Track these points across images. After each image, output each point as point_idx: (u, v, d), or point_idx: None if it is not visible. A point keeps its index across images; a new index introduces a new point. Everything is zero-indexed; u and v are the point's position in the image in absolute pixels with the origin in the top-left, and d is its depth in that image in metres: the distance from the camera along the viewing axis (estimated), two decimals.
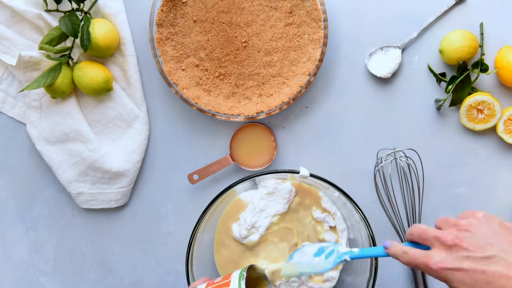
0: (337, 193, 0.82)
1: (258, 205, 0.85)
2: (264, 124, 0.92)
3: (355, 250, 0.71)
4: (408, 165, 0.89)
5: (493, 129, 0.89)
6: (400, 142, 0.91)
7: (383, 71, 0.89)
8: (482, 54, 0.87)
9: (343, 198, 0.81)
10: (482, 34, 0.88)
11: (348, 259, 0.71)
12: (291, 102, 0.88)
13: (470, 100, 0.87)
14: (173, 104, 0.92)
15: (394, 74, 0.91)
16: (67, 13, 0.85)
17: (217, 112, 0.88)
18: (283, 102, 0.88)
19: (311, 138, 0.92)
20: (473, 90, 0.89)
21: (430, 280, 0.91)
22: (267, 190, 0.85)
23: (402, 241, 0.90)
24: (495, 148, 0.91)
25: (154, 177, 0.94)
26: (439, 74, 0.88)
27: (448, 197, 0.92)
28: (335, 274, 0.86)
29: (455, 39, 0.85)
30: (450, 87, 0.87)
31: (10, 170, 0.95)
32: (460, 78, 0.86)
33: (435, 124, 0.91)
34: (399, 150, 0.89)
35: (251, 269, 0.73)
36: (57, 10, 0.87)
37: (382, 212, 0.90)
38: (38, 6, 0.88)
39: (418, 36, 0.90)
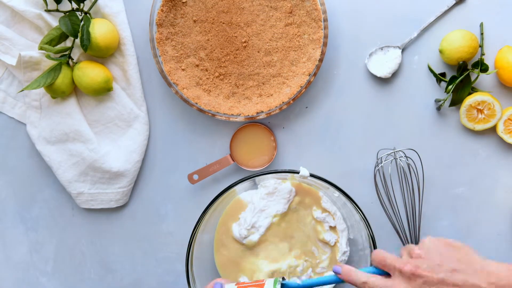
0: (337, 193, 0.82)
1: (258, 205, 0.85)
2: (264, 124, 0.92)
3: (298, 281, 0.67)
4: (408, 165, 0.89)
5: (493, 129, 0.89)
6: (400, 142, 0.91)
7: (383, 71, 0.89)
8: (482, 54, 0.87)
9: (343, 198, 0.81)
10: (482, 34, 0.88)
11: None
12: (291, 102, 0.88)
13: (470, 100, 0.87)
14: (173, 104, 0.92)
15: (394, 74, 0.91)
16: (67, 13, 0.85)
17: (217, 112, 0.88)
18: (283, 102, 0.88)
19: (311, 138, 0.92)
20: (473, 90, 0.89)
21: None
22: (267, 190, 0.85)
23: (402, 241, 0.90)
24: (495, 148, 0.91)
25: (154, 177, 0.94)
26: (439, 74, 0.88)
27: (448, 197, 0.92)
28: None
29: (455, 39, 0.85)
30: (450, 87, 0.87)
31: (10, 170, 0.95)
32: (460, 78, 0.86)
33: (435, 124, 0.91)
34: (399, 150, 0.89)
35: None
36: (57, 10, 0.87)
37: (382, 212, 0.90)
38: (38, 6, 0.88)
39: (418, 36, 0.90)
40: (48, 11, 0.87)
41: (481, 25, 0.88)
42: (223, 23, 0.88)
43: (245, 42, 0.88)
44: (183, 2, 0.87)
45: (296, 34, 0.88)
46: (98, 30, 0.84)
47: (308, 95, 0.92)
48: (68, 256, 0.96)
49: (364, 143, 0.92)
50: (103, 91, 0.87)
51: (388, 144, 0.91)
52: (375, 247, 0.80)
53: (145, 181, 0.94)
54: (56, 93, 0.87)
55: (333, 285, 0.86)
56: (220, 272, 0.86)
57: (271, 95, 0.90)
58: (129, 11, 0.90)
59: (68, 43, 0.88)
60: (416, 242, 0.90)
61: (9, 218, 0.96)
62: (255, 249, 0.86)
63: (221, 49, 0.89)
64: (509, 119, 0.87)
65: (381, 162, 0.90)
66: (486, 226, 0.92)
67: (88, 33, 0.84)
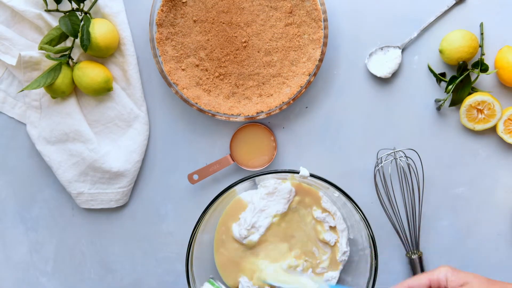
0: (337, 193, 0.82)
1: (258, 205, 0.85)
2: (264, 124, 0.92)
3: None
4: (408, 165, 0.89)
5: (493, 129, 0.89)
6: (400, 142, 0.91)
7: (383, 71, 0.89)
8: (482, 54, 0.87)
9: (343, 198, 0.81)
10: (482, 34, 0.88)
11: None
12: (291, 102, 0.88)
13: (470, 100, 0.87)
14: (173, 104, 0.92)
15: (394, 74, 0.91)
16: (67, 13, 0.85)
17: (217, 112, 0.88)
18: (283, 102, 0.88)
19: (311, 138, 0.92)
20: (473, 90, 0.89)
21: None
22: (267, 190, 0.85)
23: (402, 241, 0.90)
24: (495, 148, 0.91)
25: (154, 177, 0.94)
26: (439, 74, 0.88)
27: (448, 197, 0.92)
28: (335, 274, 0.86)
29: (455, 39, 0.85)
30: (450, 87, 0.87)
31: (10, 170, 0.95)
32: (460, 78, 0.86)
33: (435, 124, 0.91)
34: (399, 150, 0.89)
35: None
36: (57, 10, 0.87)
37: (382, 212, 0.90)
38: (38, 6, 0.88)
39: (418, 36, 0.90)
40: (48, 11, 0.87)
41: (481, 25, 0.88)
42: (223, 23, 0.88)
43: (245, 42, 0.88)
44: (183, 2, 0.87)
45: (296, 34, 0.88)
46: (98, 30, 0.84)
47: (308, 95, 0.92)
48: (68, 256, 0.96)
49: (364, 143, 0.92)
50: (103, 91, 0.87)
51: (388, 144, 0.91)
52: (375, 247, 0.80)
53: (145, 181, 0.94)
54: (56, 93, 0.87)
55: None
56: (220, 272, 0.86)
57: (271, 95, 0.90)
58: (129, 11, 0.90)
59: (68, 43, 0.88)
60: (416, 242, 0.90)
61: (9, 218, 0.96)
62: (255, 249, 0.86)
63: (221, 49, 0.89)
64: (509, 119, 0.87)
65: (381, 162, 0.90)
66: (486, 226, 0.92)
67: (88, 33, 0.84)
